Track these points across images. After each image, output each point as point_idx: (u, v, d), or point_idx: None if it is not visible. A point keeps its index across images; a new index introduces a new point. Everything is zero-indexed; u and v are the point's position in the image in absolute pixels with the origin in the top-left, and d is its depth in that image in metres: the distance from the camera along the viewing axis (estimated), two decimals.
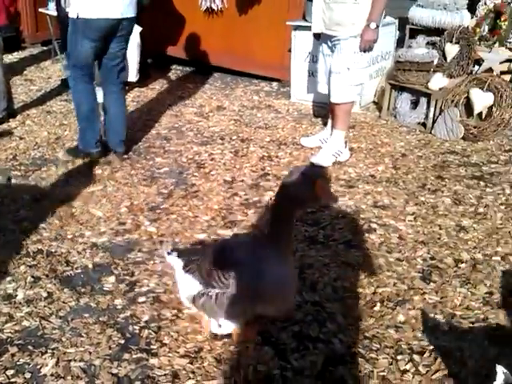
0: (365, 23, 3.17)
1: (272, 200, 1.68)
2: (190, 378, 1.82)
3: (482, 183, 3.31)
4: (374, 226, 2.81)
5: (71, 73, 3.38)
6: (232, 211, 2.94)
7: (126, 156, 3.62)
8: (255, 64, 5.34)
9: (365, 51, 3.26)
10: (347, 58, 3.28)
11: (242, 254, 1.75)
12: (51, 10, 5.29)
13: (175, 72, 5.85)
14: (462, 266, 2.49)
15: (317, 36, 3.55)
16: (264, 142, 3.91)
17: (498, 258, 2.55)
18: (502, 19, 3.92)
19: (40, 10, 5.89)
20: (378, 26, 3.16)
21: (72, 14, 3.15)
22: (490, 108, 3.79)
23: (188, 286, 1.91)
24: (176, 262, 2.00)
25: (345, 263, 2.48)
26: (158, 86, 5.26)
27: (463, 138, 3.88)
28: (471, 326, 2.12)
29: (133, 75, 4.96)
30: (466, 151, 3.77)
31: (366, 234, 2.73)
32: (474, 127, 3.78)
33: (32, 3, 6.46)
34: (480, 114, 3.84)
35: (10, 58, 6.32)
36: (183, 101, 4.85)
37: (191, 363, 1.89)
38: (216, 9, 5.31)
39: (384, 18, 4.47)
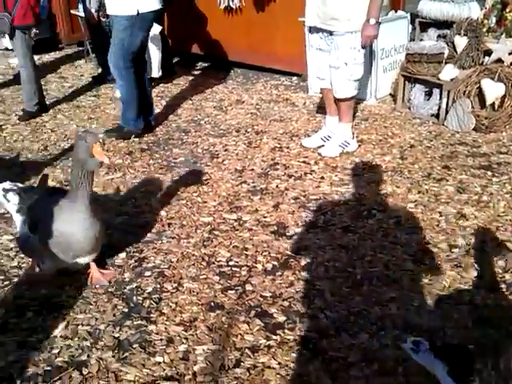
0: (362, 18, 3.18)
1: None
2: (182, 343, 2.01)
3: (489, 173, 3.34)
4: (373, 212, 2.92)
5: (124, 64, 3.69)
6: (239, 197, 3.11)
7: (145, 147, 3.85)
8: (275, 59, 5.48)
9: (364, 47, 3.31)
10: (344, 54, 3.30)
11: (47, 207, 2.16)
12: (81, 11, 5.59)
13: (199, 69, 6.06)
14: (456, 250, 2.57)
15: (311, 29, 3.52)
16: (277, 134, 4.06)
17: (494, 244, 2.61)
18: (508, 10, 3.90)
19: (72, 11, 6.23)
20: (377, 22, 3.21)
21: (130, 11, 3.49)
22: (503, 99, 3.79)
23: (20, 227, 2.30)
24: (10, 206, 2.35)
25: (340, 246, 2.60)
26: (181, 82, 5.48)
27: (475, 129, 3.89)
28: (457, 307, 2.21)
29: (155, 71, 5.20)
30: (476, 142, 3.79)
31: (365, 220, 2.84)
32: (486, 118, 3.79)
33: (66, 5, 6.79)
34: (493, 106, 3.85)
35: (46, 57, 6.70)
36: (204, 95, 5.05)
37: (185, 331, 2.07)
38: (234, 7, 5.48)
39: (395, 12, 4.54)
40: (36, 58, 5.34)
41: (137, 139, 3.96)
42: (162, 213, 2.94)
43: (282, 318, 2.13)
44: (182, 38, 5.94)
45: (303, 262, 2.48)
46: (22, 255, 2.53)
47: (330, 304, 2.20)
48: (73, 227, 2.09)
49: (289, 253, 2.56)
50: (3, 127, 4.27)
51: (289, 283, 2.32)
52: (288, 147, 3.82)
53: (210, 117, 4.49)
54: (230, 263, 2.50)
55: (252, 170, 3.48)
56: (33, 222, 2.22)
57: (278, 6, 5.26)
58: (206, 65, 6.19)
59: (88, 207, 2.09)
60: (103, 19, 4.86)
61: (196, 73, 5.91)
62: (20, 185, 2.48)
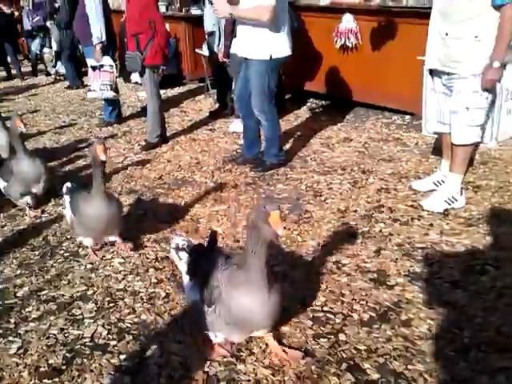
0: (485, 61, 2.96)
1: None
2: None
3: None
4: (487, 267, 2.66)
5: (268, 106, 3.94)
6: (339, 239, 3.03)
7: (251, 181, 3.95)
8: (388, 97, 5.36)
9: (486, 91, 3.07)
10: (466, 98, 3.08)
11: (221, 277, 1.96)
12: (204, 51, 5.99)
13: (310, 106, 6.14)
14: None
15: (431, 71, 3.36)
16: (385, 175, 3.92)
17: None
18: None
19: (196, 50, 6.71)
20: (502, 65, 2.96)
21: (264, 56, 3.71)
22: None
23: (188, 290, 2.19)
24: (181, 264, 2.24)
25: (446, 303, 2.39)
26: (291, 119, 5.58)
27: None
28: None
29: None
30: None
31: (477, 276, 2.59)
32: None
33: (191, 45, 7.36)
34: None
35: (171, 92, 7.27)
36: (312, 132, 5.08)
37: (273, 375, 2.03)
38: (350, 45, 5.48)
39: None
40: (162, 92, 5.83)
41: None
42: None
43: (375, 376, 2.00)
44: (295, 75, 6.08)
45: (404, 317, 2.32)
46: (129, 278, 2.71)
47: (431, 367, 2.02)
48: (251, 302, 1.88)
49: (388, 304, 2.41)
50: (126, 155, 4.67)
51: (386, 338, 2.18)
52: (395, 189, 3.67)
53: (316, 153, 4.49)
54: (325, 308, 2.42)
55: (355, 211, 3.38)
56: (208, 294, 2.01)
57: (396, 43, 5.17)
58: (317, 102, 6.25)
59: (264, 279, 1.86)
60: (225, 59, 5.14)
61: (306, 109, 5.99)
62: (192, 241, 2.35)
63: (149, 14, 4.46)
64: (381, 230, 3.11)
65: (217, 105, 6.06)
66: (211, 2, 4.50)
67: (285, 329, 2.28)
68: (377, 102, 5.56)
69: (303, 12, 5.87)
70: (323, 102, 6.22)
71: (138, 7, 4.44)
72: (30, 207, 3.57)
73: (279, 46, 3.74)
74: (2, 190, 3.60)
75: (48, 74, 9.20)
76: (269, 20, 3.55)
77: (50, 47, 8.97)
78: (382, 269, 2.71)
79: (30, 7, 9.16)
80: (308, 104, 6.19)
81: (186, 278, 2.22)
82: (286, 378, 2.00)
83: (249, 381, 2.00)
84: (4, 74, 9.46)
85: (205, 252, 2.24)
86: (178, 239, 2.31)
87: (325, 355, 2.10)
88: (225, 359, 2.11)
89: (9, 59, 9.33)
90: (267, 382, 1.99)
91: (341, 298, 2.49)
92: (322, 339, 2.20)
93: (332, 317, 2.35)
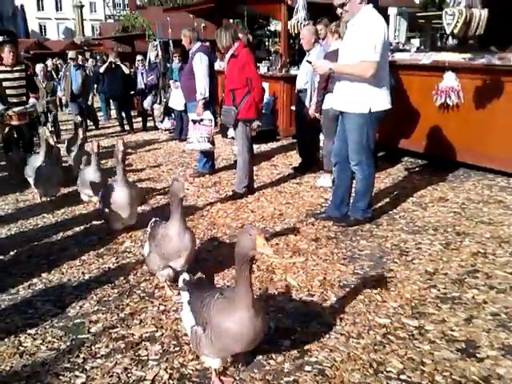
0: None
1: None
2: None
3: None
4: None
5: (366, 160, 3.85)
6: (424, 303, 2.76)
7: (332, 235, 3.81)
8: (491, 158, 5.00)
9: None
10: None
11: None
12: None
13: (404, 164, 5.90)
14: None
15: None
16: (482, 238, 3.57)
17: None
18: None
19: (292, 107, 6.85)
20: None
21: (363, 110, 3.68)
22: None
23: (187, 318, 2.22)
24: (184, 296, 2.33)
25: None
26: (382, 176, 5.38)
27: None
28: None
29: None
30: None
31: None
32: None
33: (288, 103, 7.57)
34: None
35: (264, 147, 7.45)
36: (404, 191, 4.84)
37: None
38: (451, 104, 5.25)
39: None
40: (255, 146, 5.99)
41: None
42: (336, 305, 2.78)
43: None
44: (390, 132, 5.92)
45: None
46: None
47: None
48: (235, 325, 1.97)
49: (476, 378, 2.11)
50: (213, 204, 4.78)
51: None
52: (494, 254, 3.31)
53: (406, 212, 4.25)
54: (402, 377, 2.17)
55: (445, 274, 3.09)
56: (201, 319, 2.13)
57: (501, 102, 4.90)
58: (412, 160, 6.00)
59: (250, 304, 1.96)
60: (316, 115, 5.17)
61: (399, 168, 5.77)
62: (192, 278, 2.52)
63: (246, 72, 4.68)
64: (473, 297, 2.79)
65: (300, 160, 6.06)
66: (309, 62, 4.61)
67: None
68: (478, 163, 5.20)
69: (401, 70, 5.80)
70: (419, 160, 5.96)
71: (237, 66, 4.68)
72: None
73: (379, 99, 3.68)
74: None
75: (156, 128, 9.91)
76: (372, 76, 3.54)
77: (160, 103, 9.74)
78: (472, 339, 2.40)
79: (146, 67, 10.11)
80: (402, 162, 5.96)
81: (185, 307, 2.30)
82: None
83: None
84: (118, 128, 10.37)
85: (203, 286, 2.47)
86: (185, 275, 2.47)
87: None
88: None
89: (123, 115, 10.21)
90: None
91: (421, 366, 2.23)
92: None
93: None
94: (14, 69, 5.87)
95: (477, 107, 5.13)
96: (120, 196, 3.82)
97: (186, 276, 2.46)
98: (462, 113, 5.26)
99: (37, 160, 4.98)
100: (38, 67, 9.47)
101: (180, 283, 2.45)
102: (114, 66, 9.34)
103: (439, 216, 4.09)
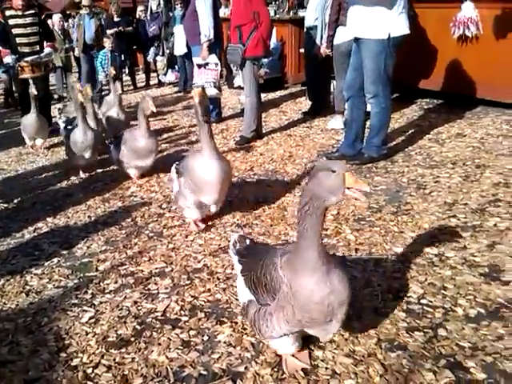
0: None
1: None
2: (350, 378, 1.68)
3: None
4: None
5: (383, 92, 3.61)
6: (444, 232, 2.63)
7: None
8: (511, 93, 4.75)
9: None
10: None
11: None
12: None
13: (419, 104, 5.65)
14: None
15: None
16: (504, 169, 3.41)
17: None
18: None
19: (301, 50, 6.53)
20: None
21: (382, 35, 3.43)
22: None
23: (242, 291, 1.81)
24: (237, 264, 1.90)
25: None
26: (397, 116, 5.14)
27: None
28: None
29: None
30: None
31: None
32: None
33: (297, 47, 7.22)
34: None
35: (272, 95, 7.20)
36: (420, 128, 4.64)
37: (355, 365, 1.74)
38: (470, 35, 4.95)
39: None
40: (263, 95, 5.77)
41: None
42: (351, 237, 2.67)
43: (481, 376, 1.63)
44: (406, 73, 5.62)
45: None
46: (207, 259, 2.58)
47: None
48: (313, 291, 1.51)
49: (501, 301, 2.00)
50: (220, 149, 4.62)
51: (497, 336, 1.78)
52: None
53: (422, 148, 4.07)
54: (422, 301, 2.06)
55: (465, 204, 2.95)
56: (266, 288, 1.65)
57: None
58: (427, 100, 5.75)
59: (320, 259, 1.50)
60: (328, 51, 4.88)
61: (415, 108, 5.53)
62: (248, 238, 2.05)
63: (253, 6, 4.39)
64: (496, 225, 2.66)
65: (310, 103, 5.84)
66: None
67: (373, 317, 1.97)
68: (500, 98, 4.94)
69: (417, 3, 5.44)
70: (435, 100, 5.70)
71: (244, 0, 4.41)
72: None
73: (398, 24, 3.43)
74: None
75: (160, 83, 9.57)
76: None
77: (163, 55, 9.37)
78: (495, 263, 2.28)
79: (148, 17, 9.62)
80: (417, 103, 5.70)
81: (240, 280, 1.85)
82: (370, 370, 1.70)
83: (326, 368, 1.74)
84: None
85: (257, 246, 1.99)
86: (236, 235, 2.01)
87: (419, 349, 1.77)
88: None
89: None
90: (348, 372, 1.70)
91: (442, 291, 2.12)
92: (416, 332, 1.87)
93: (430, 310, 2.00)
94: (26, 13, 5.13)
95: (497, 39, 4.83)
96: (144, 143, 3.75)
97: (235, 237, 1.99)
98: (482, 46, 4.96)
99: (75, 135, 3.99)
100: (56, 17, 8.87)
101: (230, 249, 1.99)
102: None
103: (457, 151, 3.91)
